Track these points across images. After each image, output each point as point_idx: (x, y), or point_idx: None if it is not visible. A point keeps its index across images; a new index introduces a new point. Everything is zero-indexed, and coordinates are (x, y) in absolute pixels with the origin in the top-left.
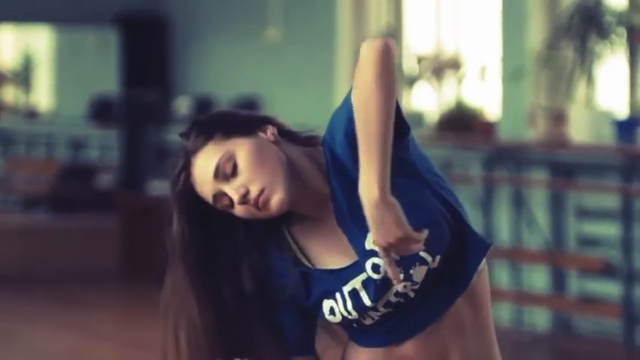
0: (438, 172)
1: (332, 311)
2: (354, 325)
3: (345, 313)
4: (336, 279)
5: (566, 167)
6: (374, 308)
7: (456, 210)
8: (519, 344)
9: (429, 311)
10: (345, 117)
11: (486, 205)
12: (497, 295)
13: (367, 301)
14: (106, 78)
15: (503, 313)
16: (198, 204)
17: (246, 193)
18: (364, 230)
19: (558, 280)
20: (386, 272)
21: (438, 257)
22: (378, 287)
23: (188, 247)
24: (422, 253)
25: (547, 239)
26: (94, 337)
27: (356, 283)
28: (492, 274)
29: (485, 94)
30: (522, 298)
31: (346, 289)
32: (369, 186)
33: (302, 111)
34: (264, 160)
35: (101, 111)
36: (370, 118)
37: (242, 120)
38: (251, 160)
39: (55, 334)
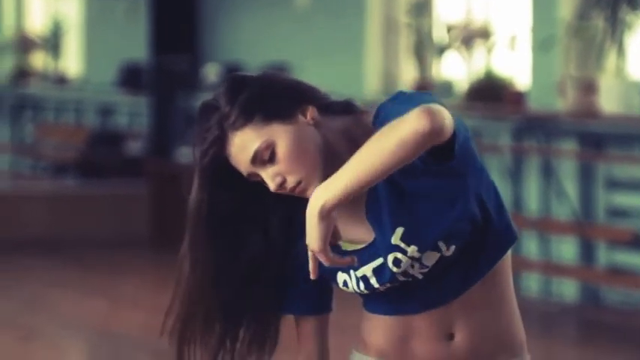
0: (482, 166)
1: (345, 284)
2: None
3: (358, 290)
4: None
5: (596, 138)
6: (383, 286)
7: (487, 209)
8: (547, 315)
9: (436, 296)
10: None
11: (515, 175)
12: (526, 265)
13: (376, 285)
14: (136, 44)
15: (531, 283)
16: (225, 172)
17: (283, 182)
18: (395, 225)
19: (587, 251)
20: (406, 268)
21: (452, 247)
22: (392, 277)
23: (205, 218)
24: (439, 242)
25: (576, 210)
26: (122, 303)
27: (367, 270)
28: (521, 245)
29: (515, 64)
30: (551, 268)
31: (358, 273)
32: (326, 192)
33: (330, 79)
34: (302, 152)
35: (130, 77)
36: (375, 160)
37: (283, 101)
38: (290, 152)
39: (83, 301)
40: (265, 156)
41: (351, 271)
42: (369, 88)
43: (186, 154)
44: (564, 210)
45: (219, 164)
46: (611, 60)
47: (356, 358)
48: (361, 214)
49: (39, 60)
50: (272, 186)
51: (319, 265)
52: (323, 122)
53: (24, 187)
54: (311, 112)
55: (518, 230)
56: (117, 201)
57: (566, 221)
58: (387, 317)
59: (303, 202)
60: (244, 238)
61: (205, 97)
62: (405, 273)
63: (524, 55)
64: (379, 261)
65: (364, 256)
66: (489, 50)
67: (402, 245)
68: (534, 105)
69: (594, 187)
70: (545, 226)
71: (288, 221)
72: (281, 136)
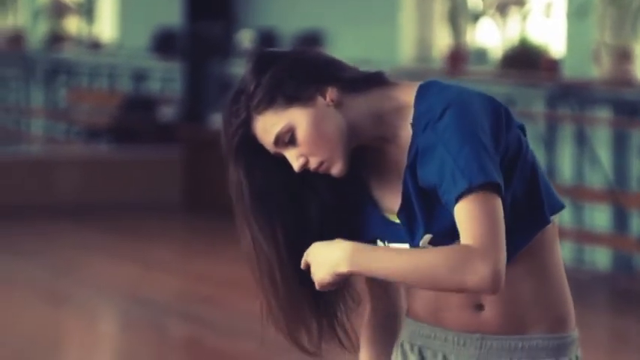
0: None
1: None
2: None
3: None
4: (386, 230)
5: (630, 106)
6: None
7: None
8: (580, 283)
9: None
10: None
11: (549, 143)
12: (559, 233)
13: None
14: (170, 9)
15: (564, 251)
16: (256, 149)
17: (306, 162)
18: (426, 230)
19: (620, 219)
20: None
21: None
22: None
23: (245, 196)
24: None
25: (609, 178)
26: (155, 269)
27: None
28: None
29: (549, 31)
30: (583, 237)
31: (391, 245)
32: (353, 259)
33: (365, 47)
34: (322, 134)
35: (164, 43)
36: (414, 274)
37: (303, 83)
38: (310, 135)
39: (116, 266)
40: (286, 139)
41: (385, 242)
42: (404, 55)
43: (219, 121)
44: (598, 178)
45: (249, 142)
46: None
47: (404, 322)
48: (392, 176)
49: (73, 25)
50: (295, 166)
51: (366, 228)
52: (345, 101)
53: (57, 151)
54: (330, 94)
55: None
56: (149, 166)
57: (600, 189)
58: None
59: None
60: (290, 209)
61: (239, 63)
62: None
63: (559, 22)
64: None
65: (400, 232)
66: (524, 17)
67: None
68: (569, 72)
69: (628, 155)
70: (578, 194)
71: (332, 181)
72: (300, 119)
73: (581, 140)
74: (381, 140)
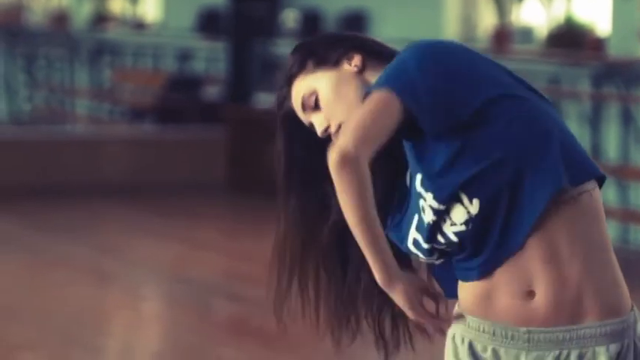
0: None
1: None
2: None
3: (422, 257)
4: (400, 233)
5: None
6: (431, 251)
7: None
8: (626, 262)
9: (487, 260)
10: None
11: (594, 122)
12: (604, 212)
13: (425, 245)
14: None
15: (610, 231)
16: (299, 123)
17: (327, 127)
18: (416, 171)
19: None
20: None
21: (476, 202)
22: (430, 230)
23: (283, 170)
24: (460, 193)
25: None
26: (199, 248)
27: (413, 232)
28: None
29: (595, 10)
30: (629, 216)
31: (410, 239)
32: (375, 273)
33: (410, 26)
34: (342, 97)
35: (209, 23)
36: (349, 222)
37: (331, 49)
38: (329, 97)
39: (160, 245)
40: (311, 102)
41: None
42: (448, 34)
43: (263, 100)
44: None
45: (292, 116)
46: None
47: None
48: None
49: (117, 5)
50: (318, 131)
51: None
52: (368, 69)
53: (102, 131)
54: (356, 60)
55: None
56: (194, 146)
57: None
58: (468, 283)
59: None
60: (321, 190)
61: (283, 43)
62: (440, 231)
63: (604, 1)
64: (416, 217)
65: (408, 219)
66: None
67: (422, 192)
68: (614, 51)
69: None
70: (623, 173)
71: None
72: (323, 82)
73: (627, 119)
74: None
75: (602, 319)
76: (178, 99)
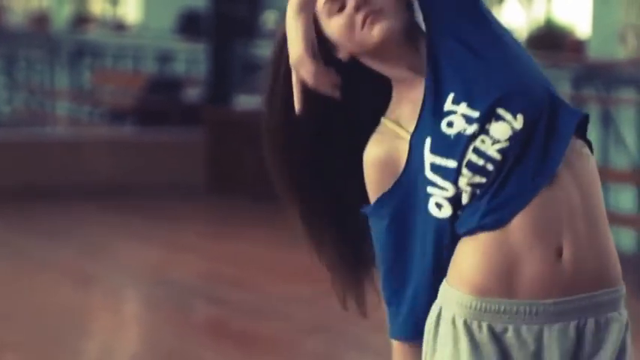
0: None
1: (438, 205)
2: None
3: (446, 193)
4: (415, 173)
5: None
6: (460, 172)
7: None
8: None
9: (524, 182)
10: None
11: None
12: None
13: (451, 164)
14: None
15: None
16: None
17: (364, 3)
18: (447, 93)
19: None
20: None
21: (520, 117)
22: (463, 149)
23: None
24: (498, 110)
25: (635, 159)
26: (180, 250)
27: (427, 155)
28: None
29: (575, 12)
30: (608, 218)
31: (427, 170)
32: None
33: None
34: None
35: (189, 24)
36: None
37: None
38: None
39: (141, 248)
40: None
41: (428, 186)
42: None
43: (244, 102)
44: (623, 159)
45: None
46: None
47: (449, 293)
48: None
49: (98, 6)
50: (352, 3)
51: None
52: None
53: (82, 133)
54: None
55: None
56: (174, 148)
57: (625, 170)
58: (486, 245)
59: None
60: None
61: (264, 44)
62: (477, 151)
63: (584, 3)
64: (428, 139)
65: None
66: None
67: (453, 107)
68: (594, 53)
69: None
70: (603, 175)
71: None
72: None
73: (607, 121)
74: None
75: (615, 285)
76: (159, 101)
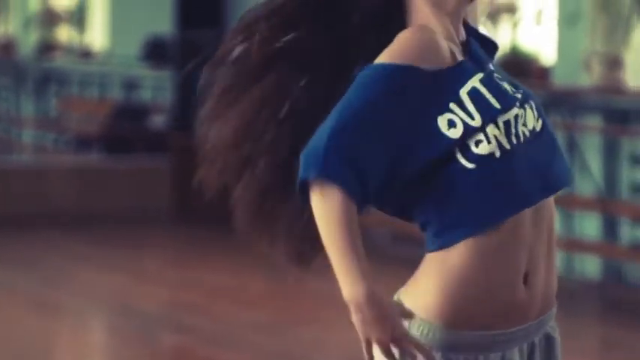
0: None
1: (451, 123)
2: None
3: (468, 119)
4: (449, 82)
5: (621, 113)
6: (499, 115)
7: None
8: (570, 292)
9: (534, 187)
10: None
11: None
12: None
13: (495, 103)
14: (161, 18)
15: None
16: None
17: None
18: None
19: (610, 228)
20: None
21: (541, 121)
22: (503, 92)
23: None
24: (530, 101)
25: (600, 186)
26: (145, 278)
27: (474, 81)
28: None
29: (540, 39)
30: (573, 245)
31: (464, 90)
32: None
33: None
34: None
35: (155, 51)
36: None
37: None
38: None
39: (105, 275)
40: None
41: (451, 104)
42: None
43: None
44: (588, 186)
45: None
46: (637, 35)
47: (446, 335)
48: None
49: (64, 33)
50: None
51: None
52: None
53: (47, 161)
54: None
55: None
56: (140, 175)
57: (590, 197)
58: (451, 275)
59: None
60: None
61: None
62: (517, 120)
63: (550, 29)
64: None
65: (462, 70)
66: (515, 25)
67: (498, 75)
68: (559, 80)
69: (618, 163)
70: (568, 203)
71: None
72: None
73: (572, 148)
74: None
75: (555, 300)
76: (124, 128)
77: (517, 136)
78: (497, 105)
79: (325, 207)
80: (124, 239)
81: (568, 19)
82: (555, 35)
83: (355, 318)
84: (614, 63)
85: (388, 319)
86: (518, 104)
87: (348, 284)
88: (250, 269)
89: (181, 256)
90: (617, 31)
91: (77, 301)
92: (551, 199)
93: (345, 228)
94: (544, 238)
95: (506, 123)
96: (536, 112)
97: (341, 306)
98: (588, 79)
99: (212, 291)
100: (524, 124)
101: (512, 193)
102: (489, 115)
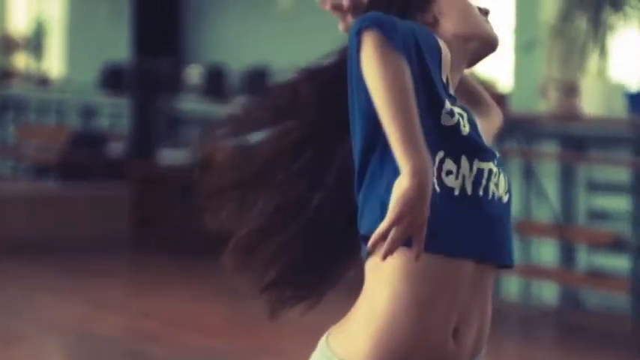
0: None
1: (451, 112)
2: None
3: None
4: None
5: (578, 140)
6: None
7: None
8: (527, 318)
9: (494, 247)
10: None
11: None
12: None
13: (481, 144)
14: (118, 45)
15: (511, 286)
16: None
17: None
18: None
19: (567, 254)
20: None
21: (508, 195)
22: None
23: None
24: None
25: (557, 212)
26: (103, 306)
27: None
28: None
29: (497, 66)
30: (531, 271)
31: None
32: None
33: None
34: None
35: (113, 79)
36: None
37: None
38: None
39: (64, 303)
40: None
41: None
42: None
43: (168, 156)
44: (545, 212)
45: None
46: (593, 62)
47: None
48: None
49: (21, 61)
50: None
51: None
52: None
53: (4, 188)
54: None
55: None
56: (98, 203)
57: (547, 224)
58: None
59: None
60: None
61: (188, 98)
62: (484, 177)
63: (506, 56)
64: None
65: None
66: None
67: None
68: (516, 107)
69: (575, 189)
70: (525, 229)
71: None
72: None
73: (528, 174)
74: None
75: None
76: (82, 155)
77: (485, 190)
78: (482, 145)
79: (387, 70)
80: (82, 267)
81: (524, 46)
82: (512, 62)
83: (407, 193)
84: (570, 90)
85: (428, 202)
86: (495, 162)
87: (416, 152)
88: (210, 298)
89: (140, 284)
90: (573, 57)
91: (35, 329)
92: (492, 274)
93: (410, 94)
94: (479, 301)
95: (480, 171)
96: (507, 184)
97: (303, 337)
98: (545, 105)
99: (171, 319)
100: (496, 185)
101: (460, 235)
102: (474, 148)
